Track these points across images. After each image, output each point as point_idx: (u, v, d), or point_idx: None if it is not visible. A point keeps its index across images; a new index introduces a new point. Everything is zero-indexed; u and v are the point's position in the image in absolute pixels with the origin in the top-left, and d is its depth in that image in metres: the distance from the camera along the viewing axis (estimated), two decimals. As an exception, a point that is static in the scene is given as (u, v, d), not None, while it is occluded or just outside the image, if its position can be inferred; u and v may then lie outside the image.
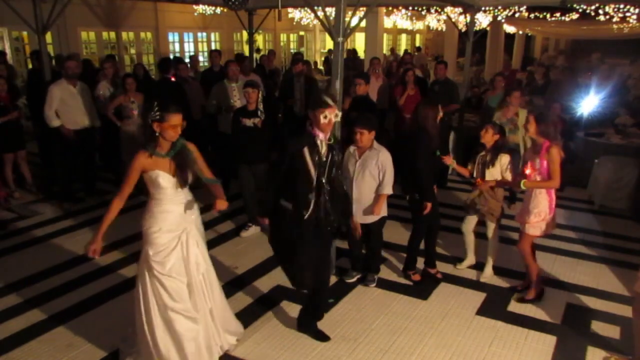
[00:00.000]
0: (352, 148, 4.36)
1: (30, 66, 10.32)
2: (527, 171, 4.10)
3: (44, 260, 4.96)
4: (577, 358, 3.66)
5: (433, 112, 4.36)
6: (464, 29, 10.66)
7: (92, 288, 4.46)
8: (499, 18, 15.21)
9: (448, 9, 12.31)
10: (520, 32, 20.93)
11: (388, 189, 4.28)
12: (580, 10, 13.89)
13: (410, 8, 16.80)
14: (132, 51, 14.60)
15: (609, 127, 8.03)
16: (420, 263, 4.79)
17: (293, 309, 4.12)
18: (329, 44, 19.34)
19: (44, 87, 6.29)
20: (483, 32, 11.12)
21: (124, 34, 14.16)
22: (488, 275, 4.73)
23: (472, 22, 8.27)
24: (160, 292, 3.13)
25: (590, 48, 19.72)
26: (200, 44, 16.60)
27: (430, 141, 4.34)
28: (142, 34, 14.84)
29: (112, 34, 13.88)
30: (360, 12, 4.87)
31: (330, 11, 5.26)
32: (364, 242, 4.64)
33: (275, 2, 7.57)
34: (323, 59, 17.87)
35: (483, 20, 15.20)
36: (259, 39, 17.64)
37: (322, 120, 3.32)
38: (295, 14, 16.31)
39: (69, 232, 5.68)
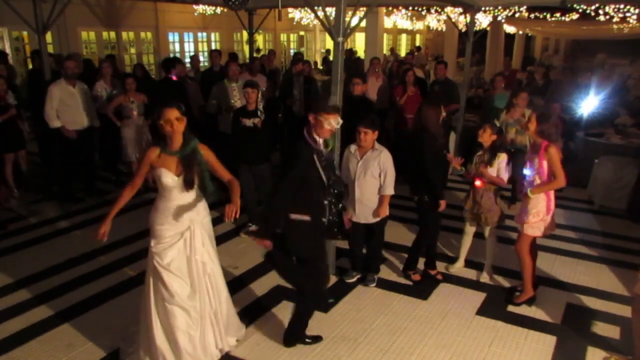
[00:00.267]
0: (352, 148, 4.36)
1: (30, 66, 10.33)
2: (526, 170, 4.10)
3: (44, 260, 4.96)
4: (577, 358, 3.66)
5: (435, 112, 4.38)
6: (464, 29, 10.66)
7: (92, 288, 4.46)
8: (499, 18, 15.21)
9: (448, 9, 12.31)
10: (520, 32, 20.92)
11: (390, 190, 4.30)
12: (580, 10, 13.88)
13: (410, 8, 16.79)
14: (132, 51, 14.60)
15: (609, 127, 8.03)
16: (420, 264, 4.79)
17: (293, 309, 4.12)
18: (329, 44, 19.34)
19: (44, 87, 6.29)
20: (483, 32, 11.11)
21: (124, 34, 14.15)
22: (487, 275, 4.73)
23: (472, 22, 8.26)
24: (158, 284, 3.17)
25: (590, 48, 19.73)
26: (200, 44, 16.60)
27: (435, 141, 4.35)
28: (142, 34, 14.83)
29: (112, 34, 13.88)
30: (360, 12, 4.86)
31: (330, 11, 5.26)
32: (364, 242, 4.64)
33: (275, 2, 7.57)
34: (322, 58, 17.87)
35: (483, 20, 15.19)
36: (259, 39, 17.64)
37: (326, 126, 3.33)
38: (295, 14, 16.31)
39: (69, 232, 5.68)
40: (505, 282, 4.67)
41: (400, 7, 16.08)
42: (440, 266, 4.86)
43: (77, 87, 6.26)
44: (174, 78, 7.26)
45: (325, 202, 3.42)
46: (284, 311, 4.13)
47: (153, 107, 6.40)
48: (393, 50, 20.80)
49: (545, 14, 17.17)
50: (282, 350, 3.66)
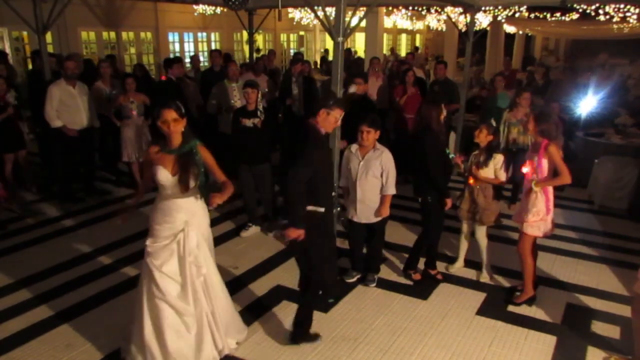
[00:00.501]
0: (353, 148, 4.36)
1: (30, 66, 10.33)
2: (525, 169, 4.11)
3: (44, 260, 4.96)
4: (577, 358, 3.66)
5: (437, 112, 4.38)
6: (464, 29, 10.66)
7: (92, 288, 4.46)
8: (499, 18, 15.21)
9: (448, 9, 12.31)
10: (520, 32, 20.93)
11: (392, 190, 4.31)
12: (580, 10, 13.89)
13: (410, 8, 16.79)
14: (132, 51, 14.60)
15: (609, 127, 8.03)
16: (420, 263, 4.80)
17: (293, 309, 4.11)
18: (329, 44, 19.34)
19: (44, 87, 6.29)
20: (483, 32, 11.11)
21: (124, 34, 14.16)
22: (487, 275, 4.73)
23: (472, 22, 8.27)
24: (150, 283, 3.19)
25: (590, 48, 19.73)
26: (200, 44, 16.60)
27: (438, 140, 4.36)
28: (142, 34, 14.84)
29: (112, 34, 13.88)
30: (360, 12, 4.87)
31: (330, 11, 5.27)
32: (364, 242, 4.64)
33: (275, 2, 7.57)
34: (320, 58, 17.87)
35: (483, 20, 15.19)
36: (259, 39, 17.64)
37: (334, 121, 3.40)
38: (295, 14, 16.32)
39: (69, 232, 5.68)
40: (505, 282, 4.67)
41: (400, 7, 16.09)
42: (440, 266, 4.86)
43: (77, 87, 6.26)
44: (162, 78, 7.27)
45: (334, 193, 3.43)
46: (284, 311, 4.13)
47: (152, 108, 6.43)
48: (393, 50, 20.81)
49: (545, 13, 17.18)
50: (282, 350, 3.66)
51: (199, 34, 16.46)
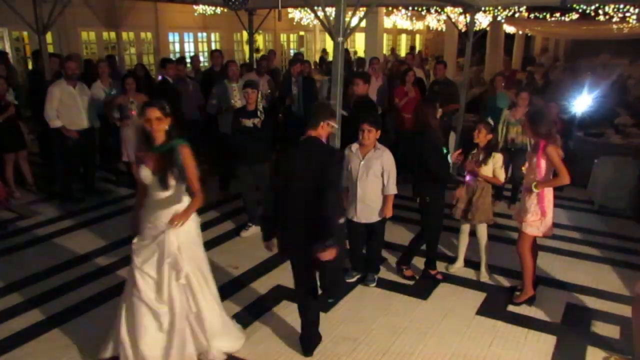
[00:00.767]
0: (354, 147, 4.36)
1: (30, 66, 10.33)
2: (524, 169, 4.12)
3: (44, 260, 4.96)
4: (577, 358, 3.66)
5: (432, 110, 4.40)
6: (464, 29, 10.67)
7: (93, 288, 4.46)
8: (499, 18, 15.20)
9: (448, 9, 12.30)
10: (520, 32, 20.93)
11: (394, 189, 4.31)
12: (580, 10, 13.87)
13: (410, 8, 16.78)
14: (132, 51, 14.61)
15: (609, 127, 8.03)
16: (420, 264, 4.80)
17: (293, 309, 4.11)
18: (329, 44, 19.34)
19: (44, 87, 6.29)
20: (483, 32, 11.12)
21: (124, 34, 14.16)
22: (486, 274, 4.73)
23: (472, 22, 8.27)
24: (130, 280, 3.23)
25: (590, 48, 19.73)
26: (200, 44, 16.61)
27: (436, 138, 4.38)
28: (142, 34, 14.84)
29: (112, 34, 13.89)
30: (360, 12, 4.87)
31: (330, 11, 5.27)
32: (364, 242, 4.64)
33: (275, 2, 7.58)
34: (319, 58, 17.86)
35: (483, 20, 15.19)
36: (259, 39, 17.64)
37: (333, 130, 3.43)
38: (295, 14, 16.31)
39: (69, 232, 5.68)
40: (505, 282, 4.67)
41: (400, 7, 16.08)
42: (440, 266, 4.86)
43: (78, 87, 6.26)
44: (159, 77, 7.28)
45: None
46: (284, 311, 4.13)
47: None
48: (393, 50, 20.81)
49: (545, 14, 17.16)
50: (283, 350, 3.66)
51: (199, 34, 16.46)
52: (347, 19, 4.37)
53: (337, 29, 4.29)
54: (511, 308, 4.26)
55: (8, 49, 11.22)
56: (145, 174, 3.13)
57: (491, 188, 4.63)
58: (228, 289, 4.47)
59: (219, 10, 13.60)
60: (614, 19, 13.72)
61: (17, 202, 6.43)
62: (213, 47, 16.18)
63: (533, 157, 4.05)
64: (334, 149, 3.51)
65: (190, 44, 16.26)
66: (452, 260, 4.99)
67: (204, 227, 5.79)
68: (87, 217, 6.08)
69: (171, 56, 14.72)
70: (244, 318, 3.99)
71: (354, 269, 4.69)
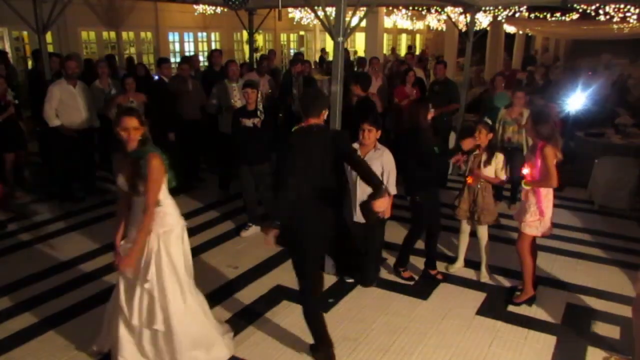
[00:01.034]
0: (354, 147, 4.35)
1: (30, 66, 10.33)
2: (525, 170, 4.12)
3: (44, 260, 4.96)
4: (577, 358, 3.66)
5: (424, 110, 4.43)
6: (464, 29, 10.66)
7: (93, 288, 4.46)
8: (499, 18, 15.21)
9: (448, 8, 12.30)
10: (520, 32, 20.94)
11: (393, 189, 4.31)
12: (580, 10, 13.88)
13: (411, 8, 16.80)
14: (132, 51, 14.61)
15: (609, 127, 8.03)
16: (420, 264, 4.80)
17: (293, 309, 4.12)
18: (329, 44, 19.35)
19: (44, 87, 6.29)
20: (483, 32, 11.11)
21: (124, 34, 14.16)
22: (486, 274, 4.73)
23: (472, 22, 8.27)
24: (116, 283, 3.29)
25: (590, 48, 19.74)
26: (200, 44, 16.61)
27: (428, 138, 4.38)
28: (142, 34, 14.85)
29: (112, 34, 13.90)
30: (360, 12, 4.86)
31: (330, 11, 5.26)
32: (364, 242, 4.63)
33: (275, 2, 7.58)
34: (319, 58, 17.87)
35: (483, 20, 15.20)
36: (259, 38, 17.64)
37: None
38: (295, 13, 16.32)
39: (69, 232, 5.68)
40: (505, 282, 4.67)
41: (400, 7, 16.09)
42: (440, 266, 4.86)
43: (78, 87, 6.26)
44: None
45: None
46: (284, 311, 4.13)
47: (151, 107, 6.43)
48: (394, 50, 20.82)
49: (545, 13, 17.17)
50: (282, 350, 3.66)
51: (199, 34, 16.46)
52: (347, 19, 4.36)
53: (337, 29, 4.28)
54: (511, 308, 4.26)
55: (8, 49, 11.23)
56: (121, 181, 3.12)
57: (491, 187, 4.63)
58: (228, 288, 4.47)
59: (219, 10, 13.61)
60: (615, 19, 13.72)
61: (16, 202, 6.43)
62: (213, 47, 16.18)
63: (532, 157, 4.06)
64: (338, 130, 3.76)
65: (190, 44, 16.27)
66: (452, 260, 4.99)
67: (204, 227, 5.88)
68: (87, 217, 6.08)
69: (171, 56, 14.74)
70: (244, 318, 3.99)
71: (354, 269, 4.69)
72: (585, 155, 7.39)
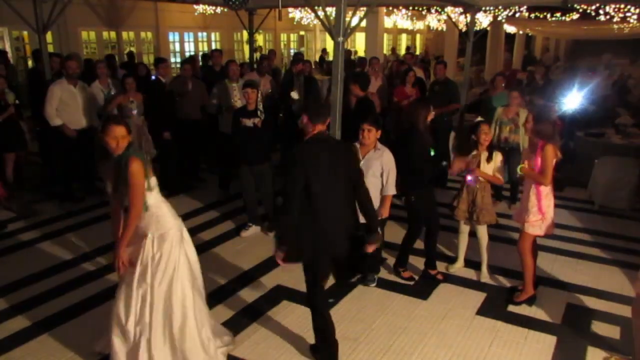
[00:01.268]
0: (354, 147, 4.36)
1: (30, 65, 10.33)
2: (519, 170, 4.12)
3: (44, 259, 4.96)
4: (577, 358, 3.65)
5: (424, 112, 4.40)
6: (464, 29, 10.66)
7: (93, 287, 4.46)
8: (499, 18, 15.22)
9: (448, 9, 12.31)
10: (520, 32, 20.94)
11: (392, 190, 4.30)
12: (581, 10, 13.88)
13: (411, 8, 16.80)
14: (132, 50, 14.62)
15: (609, 127, 8.03)
16: (420, 264, 4.80)
17: (293, 309, 4.13)
18: (329, 44, 19.36)
19: (44, 87, 6.29)
20: (483, 32, 11.12)
21: (124, 34, 14.17)
22: (487, 274, 4.73)
23: (473, 22, 8.28)
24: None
25: (590, 48, 19.75)
26: (200, 44, 16.62)
27: (423, 139, 4.37)
28: (143, 34, 14.86)
29: (113, 34, 13.90)
30: (360, 12, 4.87)
31: (331, 11, 5.27)
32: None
33: (275, 2, 7.58)
34: (318, 58, 17.88)
35: (483, 20, 15.21)
36: (259, 38, 17.65)
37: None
38: (295, 13, 16.33)
39: (69, 232, 5.68)
40: (505, 282, 4.67)
41: (400, 7, 16.10)
42: (440, 266, 4.86)
43: (78, 86, 6.27)
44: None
45: None
46: (284, 311, 4.13)
47: (150, 107, 6.43)
48: (394, 50, 20.82)
49: (545, 14, 17.18)
50: (283, 350, 3.66)
51: (199, 34, 16.47)
52: (347, 19, 4.37)
53: (337, 29, 4.29)
54: (511, 308, 4.26)
55: (8, 49, 11.23)
56: (109, 187, 3.15)
57: (490, 187, 4.63)
58: (228, 289, 4.47)
59: (219, 9, 13.62)
60: (615, 19, 13.73)
61: (16, 202, 6.43)
62: (213, 47, 16.19)
63: (531, 157, 4.06)
64: (345, 142, 3.71)
65: (190, 44, 16.28)
66: (452, 260, 4.99)
67: (204, 227, 5.88)
68: (87, 217, 6.08)
69: (171, 56, 14.75)
70: (244, 318, 3.99)
71: (354, 269, 4.69)
72: (586, 155, 7.39)
